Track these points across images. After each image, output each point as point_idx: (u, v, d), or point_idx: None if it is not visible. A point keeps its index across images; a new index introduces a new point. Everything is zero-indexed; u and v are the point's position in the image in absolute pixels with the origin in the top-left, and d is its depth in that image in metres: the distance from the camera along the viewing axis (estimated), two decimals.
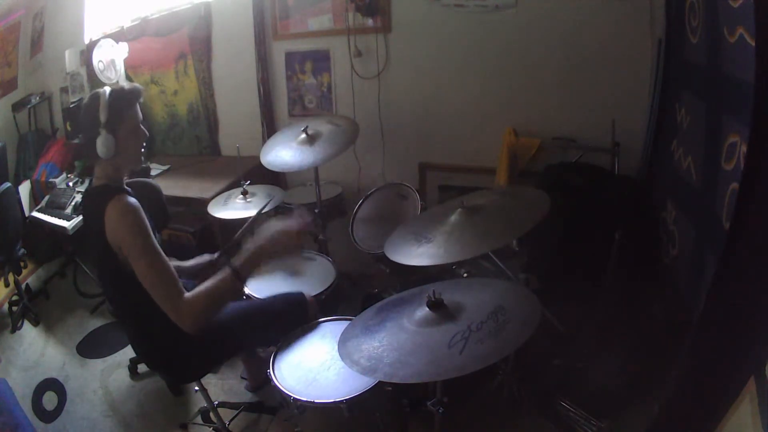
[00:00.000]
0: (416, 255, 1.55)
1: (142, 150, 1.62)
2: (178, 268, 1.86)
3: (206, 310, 1.47)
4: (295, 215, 1.59)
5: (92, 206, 1.53)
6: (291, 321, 1.79)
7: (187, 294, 1.46)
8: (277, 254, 1.57)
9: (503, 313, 1.25)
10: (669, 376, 1.53)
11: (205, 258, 1.99)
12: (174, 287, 1.45)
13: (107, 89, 1.53)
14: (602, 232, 2.04)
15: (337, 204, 2.74)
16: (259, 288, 2.10)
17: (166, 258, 1.48)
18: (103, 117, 1.48)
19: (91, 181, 1.60)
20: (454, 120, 2.72)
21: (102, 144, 1.48)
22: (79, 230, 2.78)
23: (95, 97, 1.51)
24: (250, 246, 1.55)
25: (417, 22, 2.62)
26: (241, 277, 1.50)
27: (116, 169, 1.56)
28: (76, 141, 3.20)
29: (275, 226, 1.57)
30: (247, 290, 2.09)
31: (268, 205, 2.07)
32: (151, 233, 1.47)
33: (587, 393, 1.90)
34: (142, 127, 1.59)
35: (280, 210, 2.36)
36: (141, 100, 1.58)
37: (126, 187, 1.59)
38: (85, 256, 3.12)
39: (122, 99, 1.53)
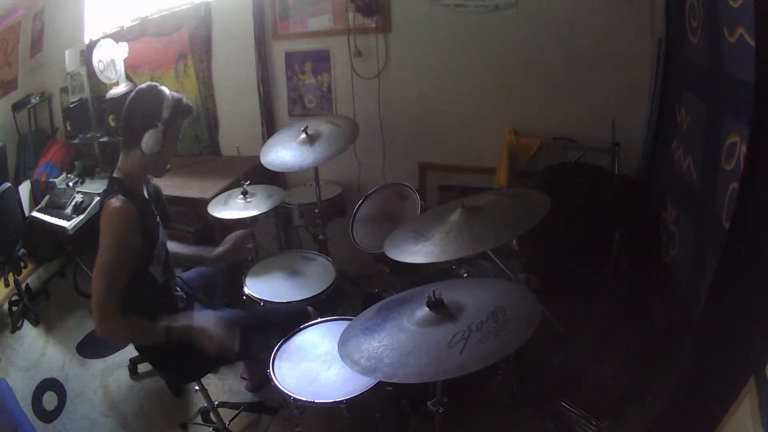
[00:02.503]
0: (414, 252, 1.55)
1: (168, 165, 1.66)
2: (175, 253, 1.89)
3: (126, 336, 1.60)
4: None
5: (102, 197, 1.55)
6: (291, 331, 1.79)
7: (124, 316, 1.48)
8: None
9: (503, 313, 1.25)
10: (669, 376, 1.53)
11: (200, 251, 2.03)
12: (113, 301, 1.46)
13: (165, 89, 1.56)
14: (602, 232, 2.04)
15: (337, 204, 2.74)
16: (259, 288, 2.10)
17: (124, 274, 1.49)
18: (166, 113, 1.51)
19: (111, 172, 1.61)
20: (454, 120, 2.72)
21: (152, 137, 1.50)
22: (79, 230, 2.79)
23: (158, 91, 1.54)
24: (186, 323, 1.61)
25: (417, 22, 2.61)
26: (170, 337, 1.56)
27: (143, 167, 1.57)
28: (75, 141, 3.21)
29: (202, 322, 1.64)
30: (246, 290, 2.09)
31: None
32: (126, 246, 1.47)
33: (587, 393, 1.90)
34: (177, 144, 1.63)
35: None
36: (189, 119, 1.64)
37: (144, 191, 1.61)
38: (85, 256, 3.12)
39: (181, 108, 1.58)
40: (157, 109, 1.51)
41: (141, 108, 1.54)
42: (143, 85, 1.58)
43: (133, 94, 1.58)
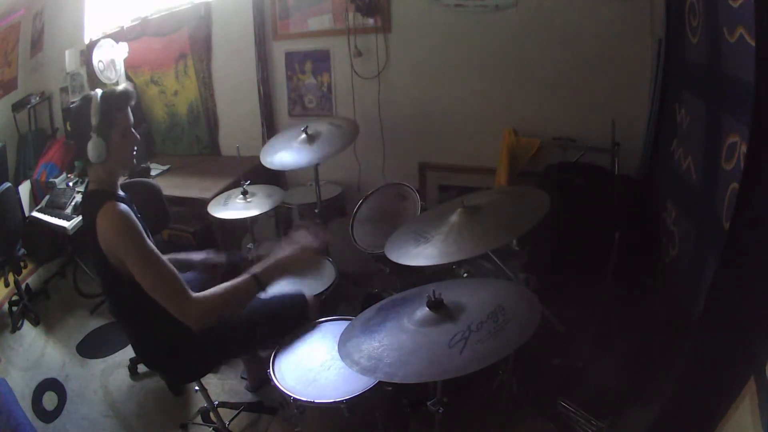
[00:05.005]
0: (414, 255, 1.55)
1: (134, 154, 1.60)
2: (188, 262, 1.85)
3: (217, 310, 1.48)
4: (317, 233, 1.62)
5: (87, 212, 1.53)
6: (291, 321, 1.79)
7: (199, 294, 1.45)
8: (295, 269, 1.59)
9: (503, 313, 1.25)
10: (669, 376, 1.53)
11: (212, 256, 1.98)
12: (176, 285, 1.44)
13: (99, 92, 1.52)
14: (602, 232, 2.04)
15: (337, 204, 2.74)
16: None
17: (164, 257, 1.48)
18: (94, 120, 1.47)
19: (87, 183, 1.59)
20: (454, 120, 2.72)
21: (93, 148, 1.47)
22: (79, 230, 2.78)
23: (86, 100, 1.50)
24: (272, 256, 1.56)
25: (417, 22, 2.62)
26: (261, 284, 1.51)
27: (109, 173, 1.54)
28: (73, 142, 3.20)
29: (298, 240, 1.59)
30: None
31: None
32: (145, 236, 1.47)
33: (587, 393, 1.90)
34: (133, 131, 1.56)
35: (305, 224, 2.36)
36: (132, 103, 1.56)
37: (120, 191, 1.59)
38: (85, 256, 3.12)
39: (113, 102, 1.51)
40: (84, 120, 1.47)
41: (72, 126, 1.52)
42: (77, 102, 1.54)
43: (71, 116, 1.55)
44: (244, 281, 1.50)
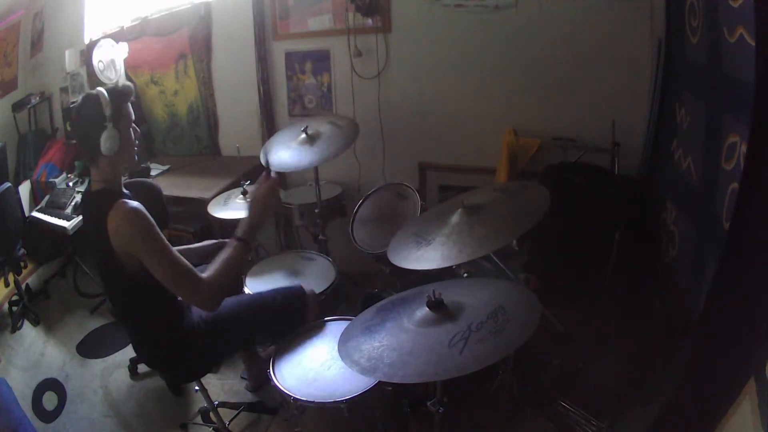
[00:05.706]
0: (416, 258, 1.55)
1: (135, 149, 1.64)
2: (187, 251, 1.87)
3: (225, 283, 1.54)
4: (262, 181, 1.73)
5: (93, 211, 1.53)
6: (290, 314, 1.80)
7: (206, 275, 1.50)
8: (264, 214, 1.69)
9: (503, 313, 1.25)
10: (669, 376, 1.54)
11: (211, 242, 2.01)
12: (192, 276, 1.49)
13: (101, 89, 1.55)
14: (602, 232, 2.04)
15: (337, 204, 2.74)
16: (259, 287, 2.11)
17: (176, 250, 1.51)
18: (107, 111, 1.50)
19: (89, 183, 1.60)
20: (454, 120, 2.72)
21: (108, 138, 1.49)
22: (79, 230, 2.78)
23: (94, 96, 1.52)
24: (244, 219, 1.66)
25: (417, 22, 2.61)
26: (247, 243, 1.60)
27: (114, 169, 1.56)
28: (74, 142, 3.20)
29: (250, 196, 1.74)
30: (246, 290, 2.10)
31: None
32: (159, 230, 1.49)
33: (587, 393, 1.90)
34: (134, 125, 1.61)
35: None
36: (132, 98, 1.60)
37: (125, 190, 1.59)
38: (85, 257, 3.12)
39: (119, 95, 1.55)
40: (98, 113, 1.50)
41: (85, 121, 1.54)
42: (80, 100, 1.58)
43: (73, 114, 1.58)
44: (236, 248, 1.58)
